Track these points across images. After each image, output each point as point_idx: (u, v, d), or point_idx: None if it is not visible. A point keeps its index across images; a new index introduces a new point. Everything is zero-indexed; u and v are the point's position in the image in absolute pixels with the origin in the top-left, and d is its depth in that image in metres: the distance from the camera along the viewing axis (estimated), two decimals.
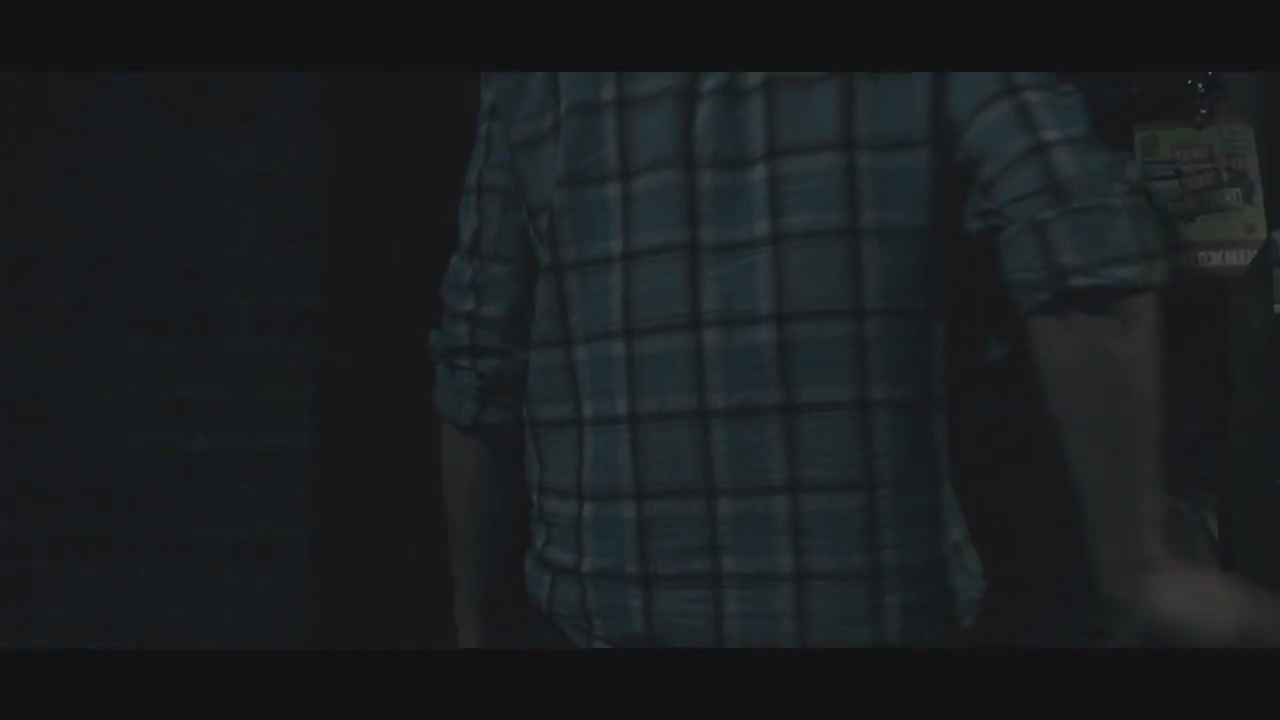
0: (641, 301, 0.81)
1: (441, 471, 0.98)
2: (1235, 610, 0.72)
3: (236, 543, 2.32)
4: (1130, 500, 0.75)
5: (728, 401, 0.79)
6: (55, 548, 2.32)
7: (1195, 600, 0.73)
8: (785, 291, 0.78)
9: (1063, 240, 0.72)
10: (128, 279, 2.39)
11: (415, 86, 2.24)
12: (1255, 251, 0.97)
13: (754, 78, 0.80)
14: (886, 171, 0.78)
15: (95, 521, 2.33)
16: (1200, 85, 1.06)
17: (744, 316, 0.78)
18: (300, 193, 2.40)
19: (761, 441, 0.78)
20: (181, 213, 2.40)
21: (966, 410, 0.82)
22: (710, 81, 0.81)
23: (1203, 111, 1.05)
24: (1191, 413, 1.41)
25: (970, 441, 0.82)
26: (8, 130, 2.35)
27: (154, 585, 2.31)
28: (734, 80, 0.81)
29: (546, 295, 0.87)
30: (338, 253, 2.50)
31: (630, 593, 0.81)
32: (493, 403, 0.93)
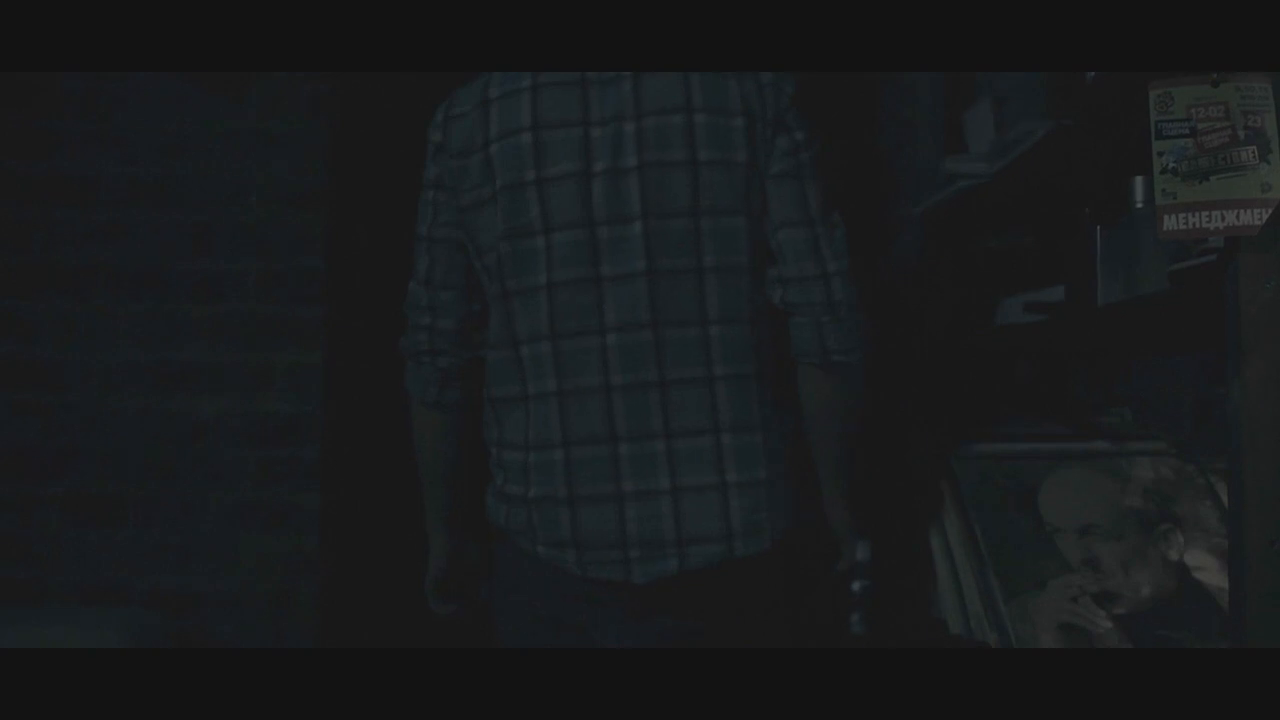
0: (562, 315, 1.23)
1: (412, 432, 1.38)
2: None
3: (247, 505, 2.34)
4: (841, 472, 1.31)
5: (623, 380, 1.22)
6: (67, 511, 2.34)
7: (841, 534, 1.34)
8: (657, 307, 1.22)
9: (830, 335, 1.23)
10: (134, 242, 2.39)
11: None
12: (1270, 211, 0.95)
13: (631, 160, 1.21)
14: (719, 229, 1.22)
15: (106, 485, 2.35)
16: None
17: (632, 324, 1.22)
18: (306, 154, 2.39)
19: (646, 405, 1.22)
20: (187, 175, 2.40)
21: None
22: (599, 164, 1.22)
23: None
24: (1199, 377, 1.39)
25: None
26: (13, 92, 2.34)
27: (166, 548, 2.33)
28: (617, 162, 1.22)
29: (498, 312, 1.27)
30: (344, 214, 2.49)
31: (561, 510, 1.23)
32: (447, 386, 1.33)
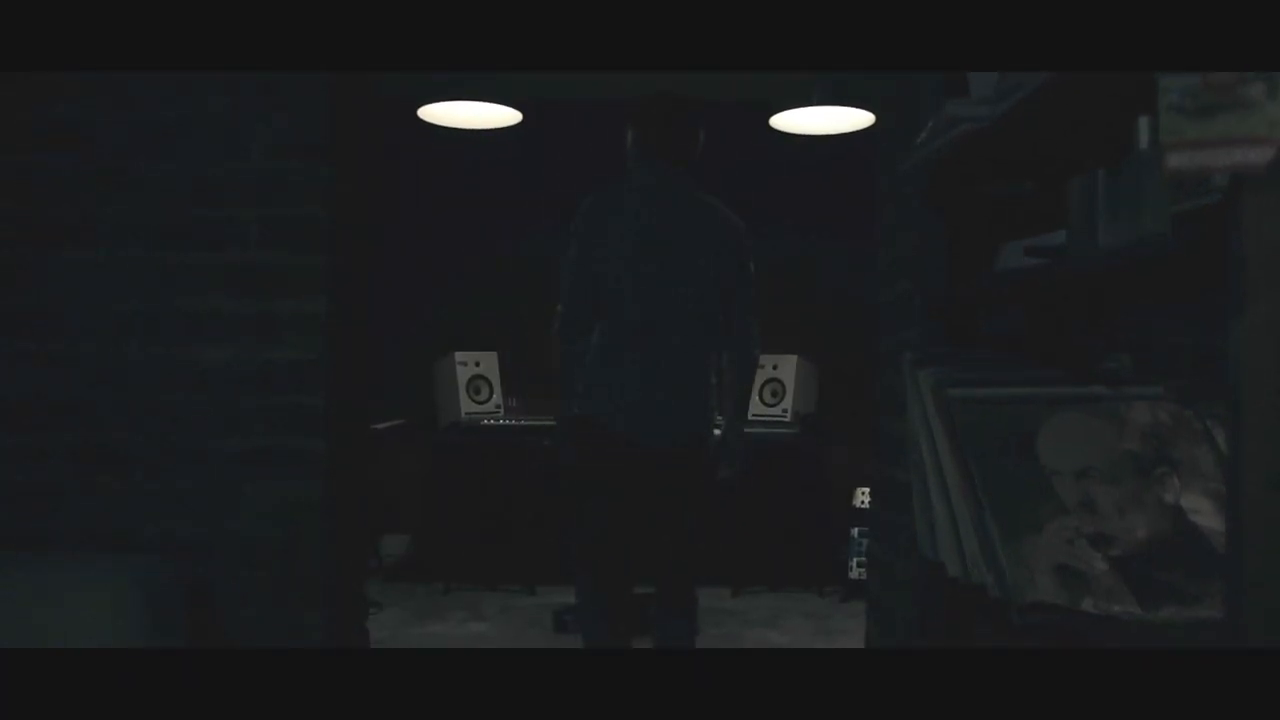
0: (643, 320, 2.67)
1: (558, 352, 2.66)
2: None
3: (253, 452, 2.35)
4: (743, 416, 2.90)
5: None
6: (77, 458, 2.35)
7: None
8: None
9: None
10: (136, 192, 2.37)
11: None
12: (1276, 150, 0.93)
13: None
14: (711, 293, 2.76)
15: (115, 433, 2.36)
16: None
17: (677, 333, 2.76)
18: (309, 102, 2.36)
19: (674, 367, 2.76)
20: (188, 124, 2.37)
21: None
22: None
23: None
24: (1198, 323, 1.38)
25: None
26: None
27: (174, 494, 2.35)
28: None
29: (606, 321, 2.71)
30: (347, 163, 2.47)
31: (619, 415, 2.63)
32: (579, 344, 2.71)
